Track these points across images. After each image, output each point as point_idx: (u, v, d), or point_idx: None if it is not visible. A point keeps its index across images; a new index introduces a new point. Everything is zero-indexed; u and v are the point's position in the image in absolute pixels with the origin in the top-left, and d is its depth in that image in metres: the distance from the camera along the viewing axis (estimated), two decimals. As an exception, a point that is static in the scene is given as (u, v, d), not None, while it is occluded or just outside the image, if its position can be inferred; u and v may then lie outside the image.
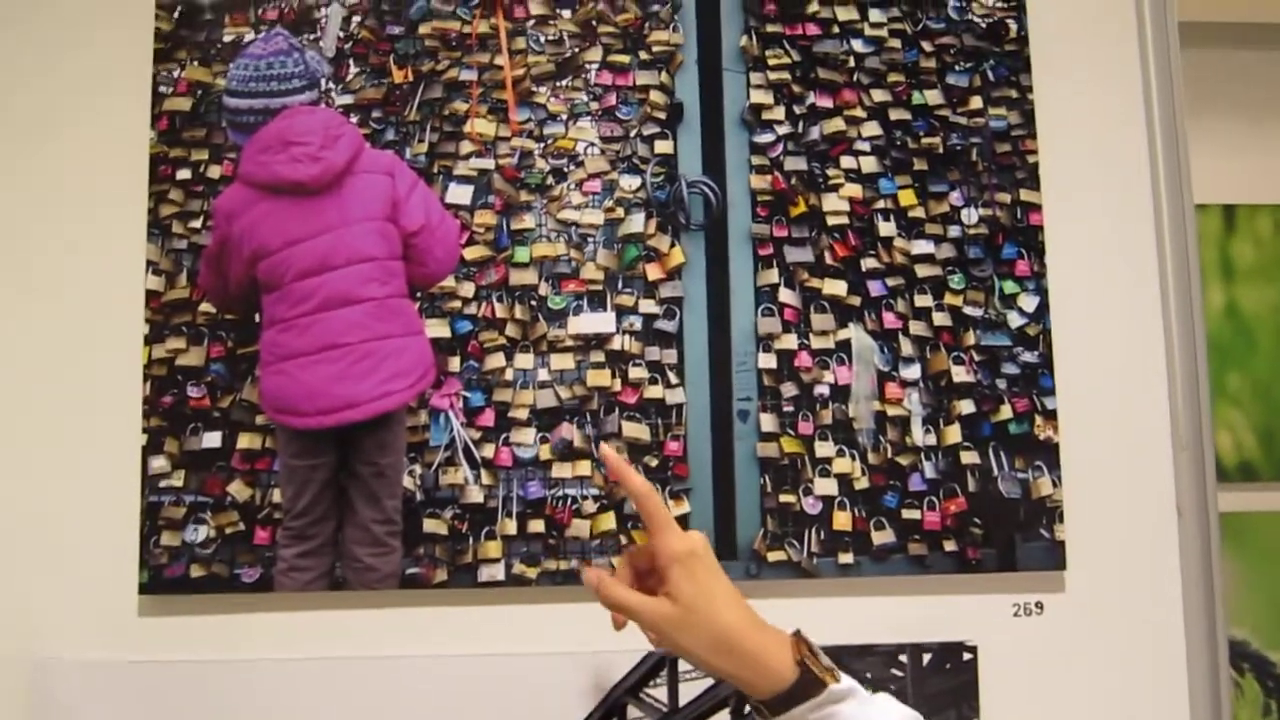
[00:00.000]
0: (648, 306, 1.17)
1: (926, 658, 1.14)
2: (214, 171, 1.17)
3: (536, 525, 1.14)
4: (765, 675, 0.82)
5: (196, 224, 1.17)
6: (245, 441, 1.14)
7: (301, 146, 1.17)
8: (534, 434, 1.15)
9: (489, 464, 1.15)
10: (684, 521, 1.14)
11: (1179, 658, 1.18)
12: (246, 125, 1.18)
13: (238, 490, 1.14)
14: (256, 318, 1.16)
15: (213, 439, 1.14)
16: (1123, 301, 1.21)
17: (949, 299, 1.19)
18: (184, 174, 1.17)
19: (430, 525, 1.14)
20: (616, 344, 1.17)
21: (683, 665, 1.13)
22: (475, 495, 1.15)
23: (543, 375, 1.16)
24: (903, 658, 1.14)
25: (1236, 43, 2.64)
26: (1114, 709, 1.17)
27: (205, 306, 1.16)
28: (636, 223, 1.18)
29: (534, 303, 1.17)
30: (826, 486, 1.16)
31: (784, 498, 1.15)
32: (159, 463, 1.13)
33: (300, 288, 1.15)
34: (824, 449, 1.16)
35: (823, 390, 1.17)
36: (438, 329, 1.16)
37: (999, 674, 1.15)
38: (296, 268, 1.15)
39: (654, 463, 1.15)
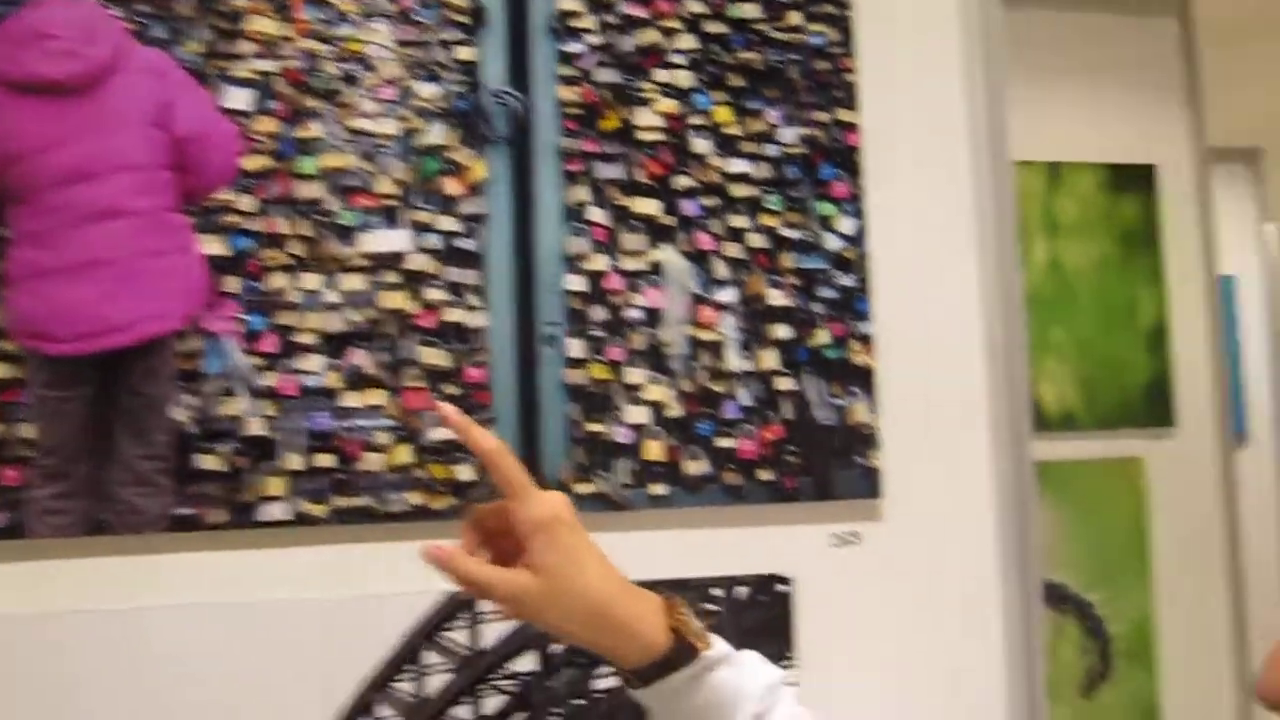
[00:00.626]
0: (447, 224, 1.09)
1: (742, 591, 1.10)
2: (-50, 66, 1.04)
3: (325, 460, 1.05)
4: (638, 644, 0.76)
5: (-71, 124, 1.03)
6: (-11, 370, 1.02)
7: (57, 40, 1.04)
8: (321, 361, 1.06)
9: (271, 393, 1.05)
10: (487, 453, 1.07)
11: (994, 593, 1.17)
12: (-11, 14, 1.05)
13: (-20, 424, 1.01)
14: (4, 231, 1.03)
15: (-51, 367, 1.01)
16: (941, 236, 1.19)
17: (765, 220, 1.14)
18: (-87, 67, 1.03)
19: (205, 461, 1.04)
20: (413, 264, 1.08)
21: (485, 606, 1.06)
22: (256, 427, 1.05)
23: (331, 297, 1.07)
24: (718, 591, 1.10)
25: (1062, 6, 2.70)
26: (930, 642, 1.16)
27: (-60, 218, 1.03)
28: (435, 134, 1.09)
29: (321, 218, 1.07)
30: (637, 415, 1.10)
31: (593, 427, 1.09)
32: (-116, 393, 1.00)
33: (55, 198, 1.03)
34: (635, 375, 1.10)
35: (634, 314, 1.11)
36: (214, 246, 1.06)
37: (815, 606, 1.12)
38: (50, 175, 1.03)
39: (455, 391, 1.07)
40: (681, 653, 0.78)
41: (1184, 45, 2.81)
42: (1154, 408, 2.66)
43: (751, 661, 0.82)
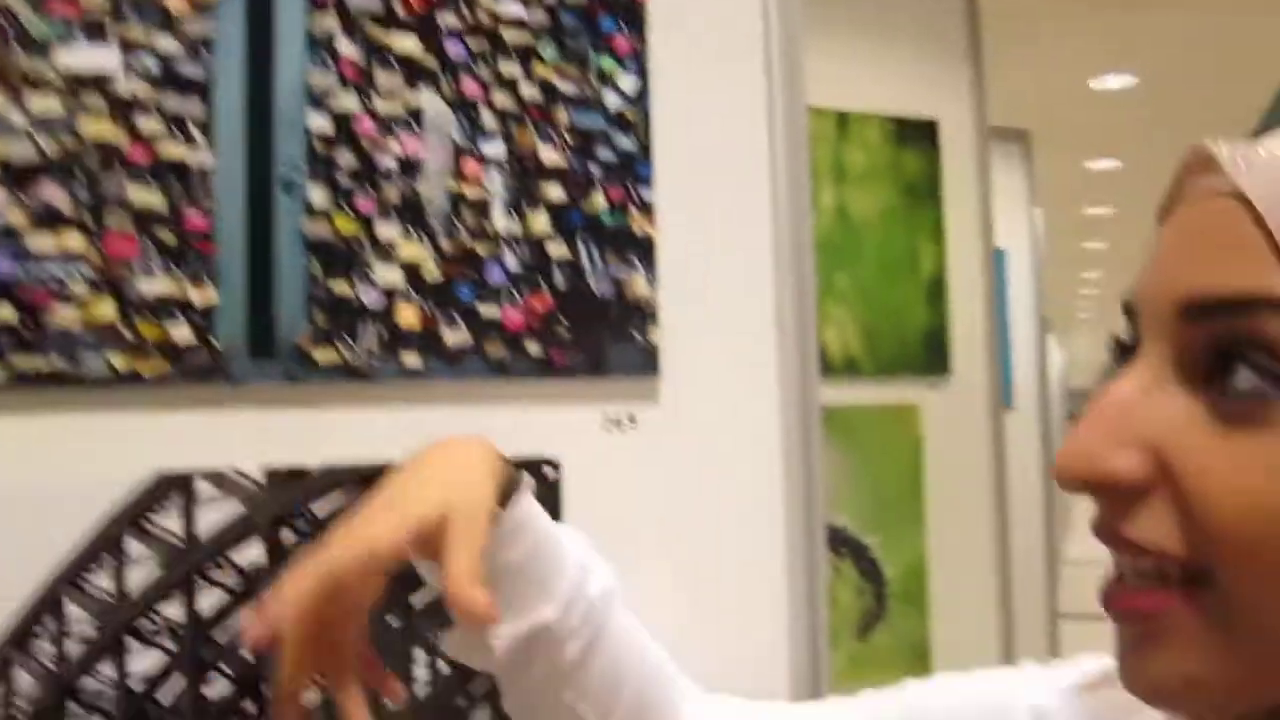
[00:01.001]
0: (166, 45, 0.93)
1: (504, 477, 0.99)
2: None
3: (5, 312, 0.88)
4: None
5: None
6: None
7: None
8: (2, 194, 0.88)
9: (-64, 231, 0.87)
10: (209, 313, 0.92)
11: (778, 531, 1.11)
12: None
13: None
14: None
15: None
16: (727, 83, 1.11)
17: (539, 70, 1.03)
18: None
19: None
20: (123, 88, 0.92)
21: (203, 489, 0.91)
22: (-84, 271, 0.86)
23: (16, 119, 0.89)
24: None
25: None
26: (708, 547, 1.08)
27: None
28: (154, -60, 0.93)
29: (7, 27, 0.89)
30: (390, 275, 0.97)
31: (337, 287, 0.96)
32: None
33: None
34: (387, 230, 0.97)
35: (388, 163, 0.98)
36: None
37: (584, 493, 1.02)
38: None
39: (170, 240, 0.92)
40: None
41: (969, 13, 2.89)
42: (931, 357, 2.71)
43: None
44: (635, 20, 1.07)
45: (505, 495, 0.65)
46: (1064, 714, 0.60)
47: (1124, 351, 0.48)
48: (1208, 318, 0.43)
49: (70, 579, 0.88)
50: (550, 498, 1.00)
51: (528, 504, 0.66)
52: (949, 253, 2.80)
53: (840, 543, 2.45)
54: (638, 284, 1.04)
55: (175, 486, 0.91)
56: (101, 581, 0.89)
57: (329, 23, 0.98)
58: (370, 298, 0.97)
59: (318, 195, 0.96)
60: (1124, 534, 0.44)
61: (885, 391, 2.63)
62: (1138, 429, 0.44)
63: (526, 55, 1.03)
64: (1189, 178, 0.47)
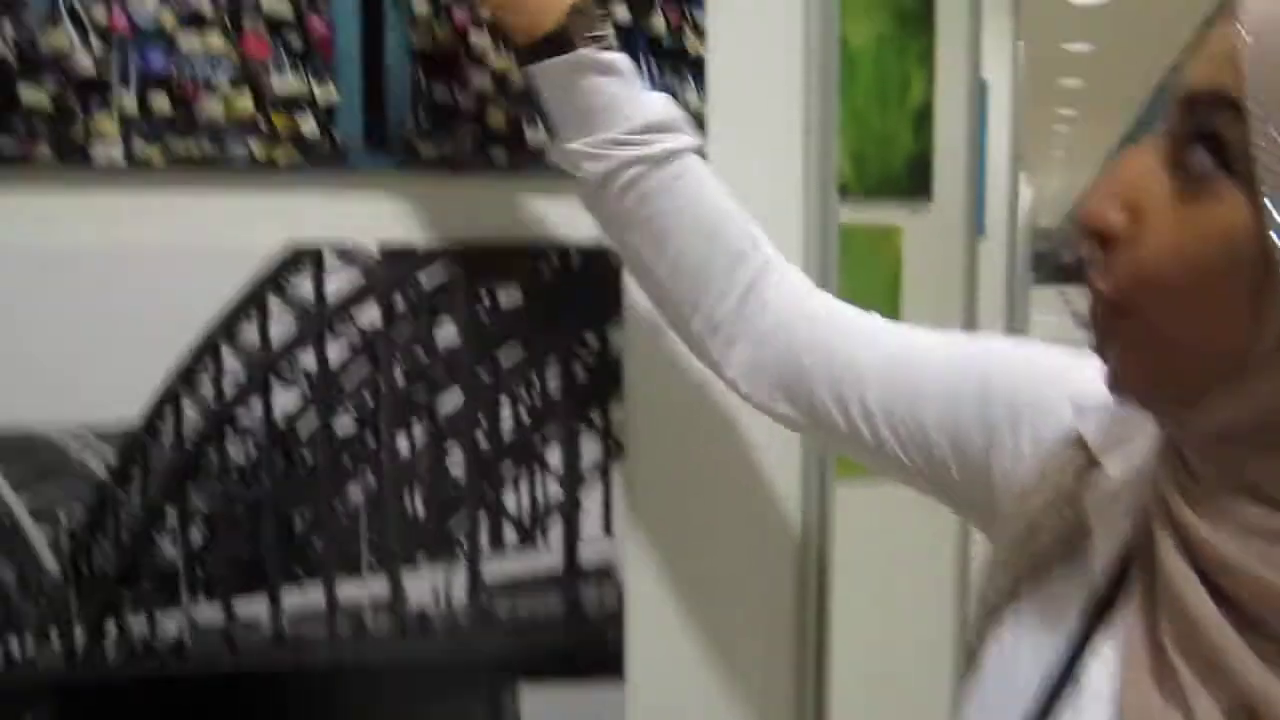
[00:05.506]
0: None
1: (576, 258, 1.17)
2: None
3: (161, 102, 1.03)
4: (528, 18, 0.90)
5: None
6: None
7: None
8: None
9: (101, 30, 1.01)
10: (331, 110, 1.07)
11: None
12: None
13: None
14: None
15: None
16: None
17: (610, -100, 1.16)
18: None
19: (29, 96, 0.99)
20: (253, -95, 1.04)
21: (329, 260, 1.08)
22: (84, 65, 1.00)
23: (164, -70, 1.02)
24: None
25: None
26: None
27: None
28: None
29: None
30: (481, 81, 1.12)
31: (437, 90, 1.11)
32: None
33: None
34: (480, 40, 1.12)
35: (480, -20, 1.12)
36: None
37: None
38: None
39: (297, 43, 1.06)
40: (562, 38, 0.89)
41: None
42: (915, 182, 2.88)
43: (646, 95, 0.94)
44: None
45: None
46: (1093, 414, 0.76)
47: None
48: (1189, 108, 0.60)
49: (224, 329, 1.06)
50: (612, 279, 1.18)
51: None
52: (938, 80, 2.93)
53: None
54: (689, 98, 1.20)
55: (307, 256, 1.08)
56: (249, 334, 1.07)
57: None
58: (465, 100, 1.12)
59: (420, 7, 1.10)
60: (1093, 282, 0.63)
61: (870, 213, 2.80)
62: (1128, 194, 0.62)
63: (599, -115, 1.15)
64: None
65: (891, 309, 2.82)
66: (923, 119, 2.86)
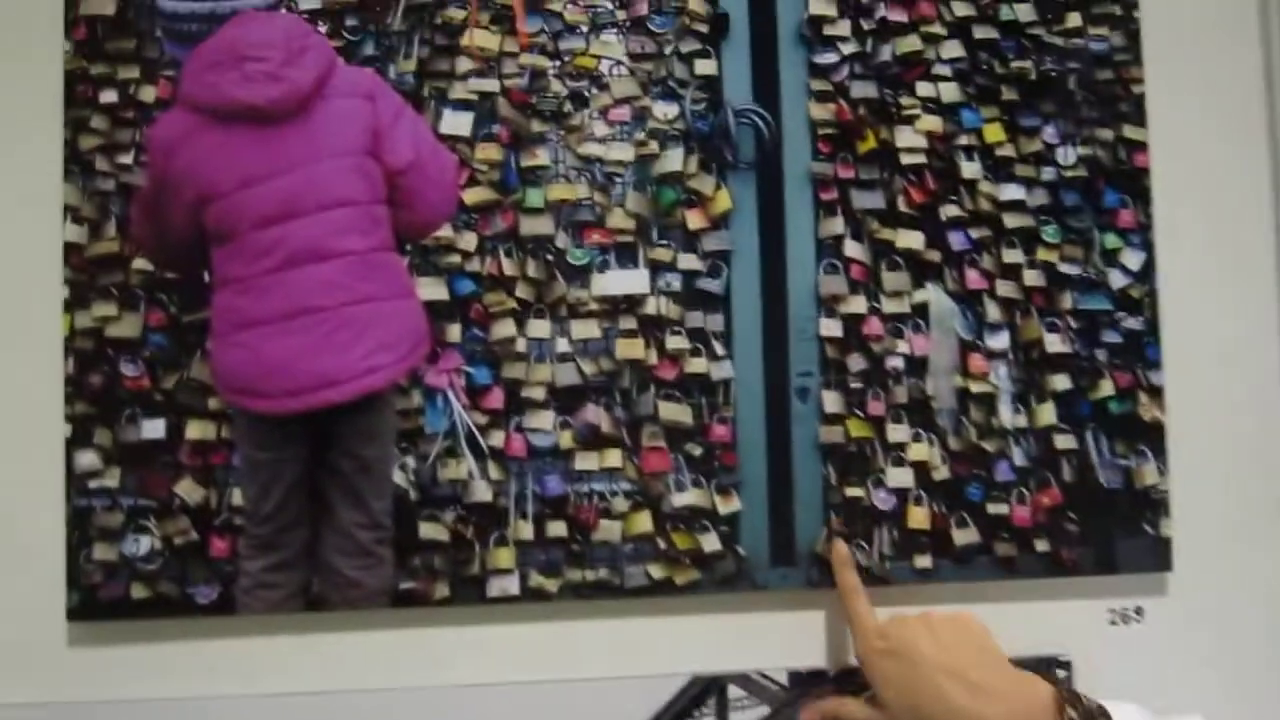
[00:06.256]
0: (688, 262, 0.97)
1: (1012, 674, 0.98)
2: (147, 93, 0.94)
3: (557, 528, 0.95)
4: None
5: (126, 159, 0.93)
6: (195, 431, 0.92)
7: (258, 63, 0.93)
8: (552, 417, 0.95)
9: (497, 455, 0.95)
10: (733, 520, 0.96)
11: None
12: (188, 35, 0.94)
13: (187, 491, 0.92)
14: (206, 276, 0.94)
15: (155, 428, 0.92)
16: (1238, 258, 1.04)
17: (1042, 254, 1.00)
18: (109, 96, 0.93)
19: (427, 530, 0.94)
20: (651, 307, 0.96)
21: (733, 692, 0.96)
22: (482, 493, 0.95)
23: (562, 346, 0.96)
24: (986, 675, 0.98)
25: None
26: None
27: (140, 263, 0.93)
28: (674, 160, 0.97)
29: (550, 257, 0.96)
30: (900, 477, 0.98)
31: (850, 491, 0.97)
32: (88, 458, 0.91)
33: (260, 239, 0.93)
34: (897, 433, 0.98)
35: (896, 363, 0.98)
36: (433, 290, 0.95)
37: (1093, 690, 0.99)
38: (254, 214, 0.93)
39: (697, 451, 0.96)
40: None
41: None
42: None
43: None
44: (1140, 191, 1.01)
45: None
46: None
47: None
48: None
49: (621, 778, 0.94)
50: (1059, 695, 0.98)
51: None
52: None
53: None
54: (1147, 473, 1.00)
55: (710, 689, 0.95)
56: (647, 779, 0.95)
57: (836, 226, 0.99)
58: (882, 500, 0.98)
59: (830, 401, 0.98)
60: None
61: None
62: None
63: (1028, 239, 1.00)
64: None
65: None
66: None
